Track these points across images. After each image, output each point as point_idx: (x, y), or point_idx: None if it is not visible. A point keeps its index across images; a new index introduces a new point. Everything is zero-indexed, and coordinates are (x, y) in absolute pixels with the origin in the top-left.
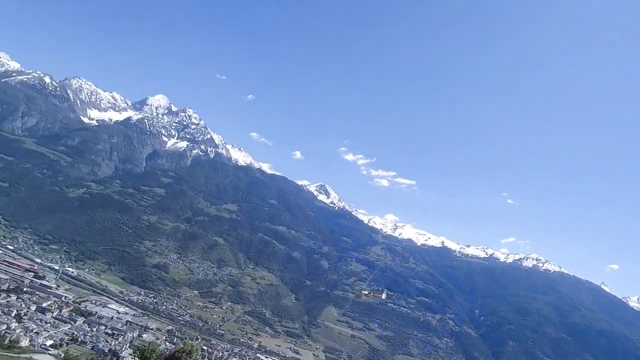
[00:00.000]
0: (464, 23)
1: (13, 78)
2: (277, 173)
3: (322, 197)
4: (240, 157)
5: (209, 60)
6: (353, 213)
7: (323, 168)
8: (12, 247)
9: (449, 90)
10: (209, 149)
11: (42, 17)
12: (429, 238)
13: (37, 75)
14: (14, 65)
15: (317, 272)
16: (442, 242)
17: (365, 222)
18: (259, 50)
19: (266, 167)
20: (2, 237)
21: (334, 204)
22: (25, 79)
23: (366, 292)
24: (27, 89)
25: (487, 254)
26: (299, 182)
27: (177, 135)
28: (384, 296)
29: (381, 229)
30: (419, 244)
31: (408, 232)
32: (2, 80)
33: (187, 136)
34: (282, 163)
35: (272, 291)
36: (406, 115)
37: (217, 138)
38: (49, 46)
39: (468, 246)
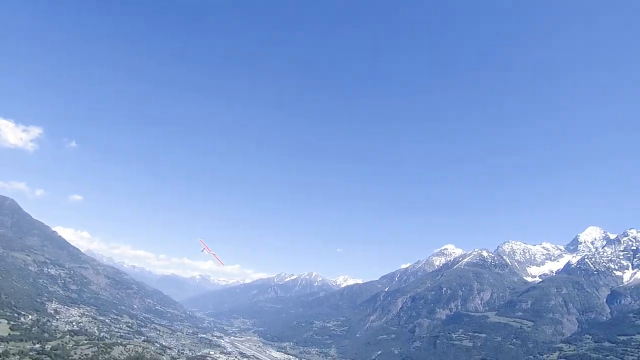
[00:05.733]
0: None
1: (460, 262)
2: None
3: None
4: None
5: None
6: None
7: None
8: None
9: None
10: None
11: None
12: None
13: (476, 253)
14: (458, 251)
15: None
16: None
17: None
18: None
19: None
20: None
21: None
22: (469, 260)
23: None
24: (473, 267)
25: None
26: None
27: (630, 265)
28: None
29: None
30: None
31: None
32: (454, 267)
33: None
34: None
35: None
36: None
37: None
38: (476, 225)
39: None
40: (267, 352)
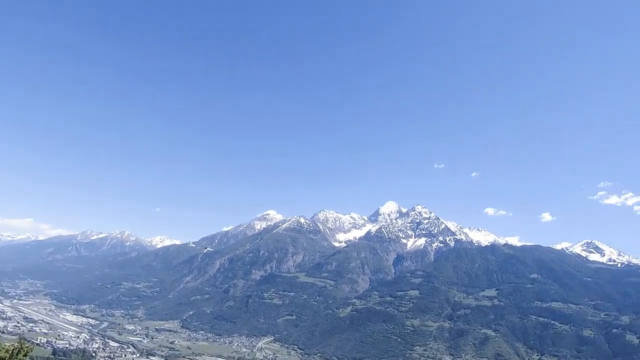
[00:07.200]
0: None
1: (280, 227)
2: (528, 243)
3: (594, 257)
4: (481, 237)
5: (426, 155)
6: None
7: (582, 223)
8: None
9: None
10: (447, 239)
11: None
12: None
13: (295, 219)
14: (279, 217)
15: (626, 352)
16: None
17: None
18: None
19: (515, 241)
20: None
21: (614, 261)
22: (288, 225)
23: None
24: (291, 233)
25: None
26: (558, 247)
27: (413, 234)
28: None
29: None
30: None
31: None
32: (274, 231)
33: (423, 232)
34: (531, 232)
35: None
36: None
37: (451, 225)
38: (298, 193)
39: None
40: (61, 315)
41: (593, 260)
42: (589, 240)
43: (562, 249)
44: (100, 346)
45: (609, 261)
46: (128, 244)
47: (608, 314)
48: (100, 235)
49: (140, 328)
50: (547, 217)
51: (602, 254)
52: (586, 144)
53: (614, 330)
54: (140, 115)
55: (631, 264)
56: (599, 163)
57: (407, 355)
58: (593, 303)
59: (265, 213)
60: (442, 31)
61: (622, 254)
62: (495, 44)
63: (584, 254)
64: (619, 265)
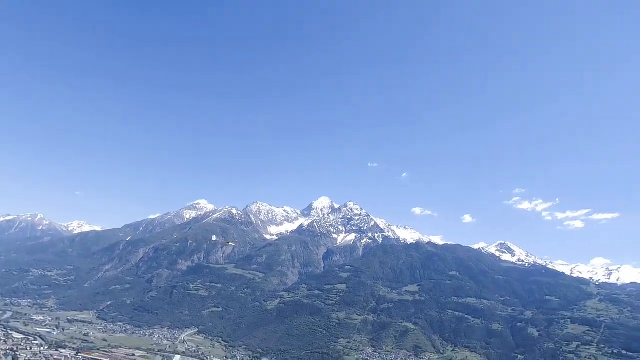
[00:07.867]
0: None
1: (210, 217)
2: (450, 242)
3: (506, 257)
4: (408, 235)
5: (361, 154)
6: (549, 266)
7: (498, 226)
8: None
9: None
10: (376, 235)
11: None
12: None
13: (226, 209)
14: (210, 207)
15: (527, 344)
16: None
17: (568, 273)
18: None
19: (438, 240)
20: (225, 357)
21: (522, 261)
22: (219, 215)
23: None
24: (222, 223)
25: None
26: (475, 247)
27: (344, 230)
28: None
29: (591, 278)
30: None
31: (628, 274)
32: (204, 221)
33: (354, 228)
34: (453, 232)
35: None
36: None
37: (381, 223)
38: (231, 184)
39: None
40: None
41: (505, 260)
42: (503, 242)
43: (479, 248)
44: (2, 338)
45: (519, 261)
46: (40, 228)
47: (514, 309)
48: (7, 218)
49: (51, 319)
50: (467, 218)
51: (513, 254)
52: (505, 153)
53: (519, 324)
54: (63, 97)
55: (536, 264)
56: (516, 171)
57: (332, 347)
58: (502, 299)
59: (195, 202)
60: (381, 38)
61: (529, 254)
62: (440, 51)
63: (497, 253)
64: (527, 265)
